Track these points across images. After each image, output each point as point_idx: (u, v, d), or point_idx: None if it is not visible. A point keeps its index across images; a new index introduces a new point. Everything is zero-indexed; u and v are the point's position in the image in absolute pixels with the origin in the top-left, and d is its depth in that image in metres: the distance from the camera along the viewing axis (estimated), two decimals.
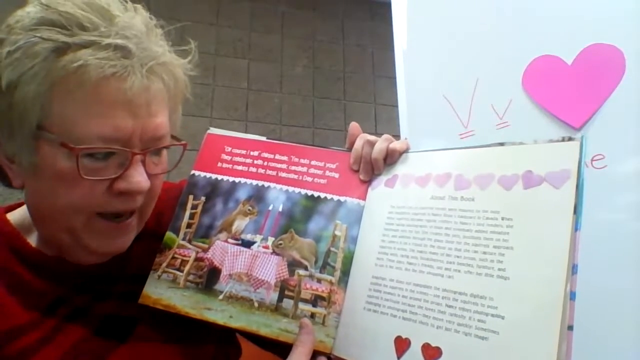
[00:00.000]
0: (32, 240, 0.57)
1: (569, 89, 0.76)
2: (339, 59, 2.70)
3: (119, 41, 0.47)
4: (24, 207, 0.60)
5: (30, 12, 0.48)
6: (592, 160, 0.72)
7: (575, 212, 0.46)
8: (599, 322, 0.67)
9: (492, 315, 0.47)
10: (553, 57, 0.79)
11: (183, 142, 0.57)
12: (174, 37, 0.56)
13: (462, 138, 0.86)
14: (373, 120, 2.62)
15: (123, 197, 0.51)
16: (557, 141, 0.51)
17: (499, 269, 0.48)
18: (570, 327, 0.43)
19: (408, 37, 0.98)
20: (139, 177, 0.50)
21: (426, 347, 0.50)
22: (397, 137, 0.68)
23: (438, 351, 0.49)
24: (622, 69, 0.72)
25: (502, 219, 0.51)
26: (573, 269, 0.45)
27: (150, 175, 0.52)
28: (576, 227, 0.46)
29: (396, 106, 0.96)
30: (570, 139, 0.50)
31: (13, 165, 0.51)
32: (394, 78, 0.97)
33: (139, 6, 0.53)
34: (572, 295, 0.44)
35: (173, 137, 0.56)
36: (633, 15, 0.73)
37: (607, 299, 0.67)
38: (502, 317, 0.46)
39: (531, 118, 0.79)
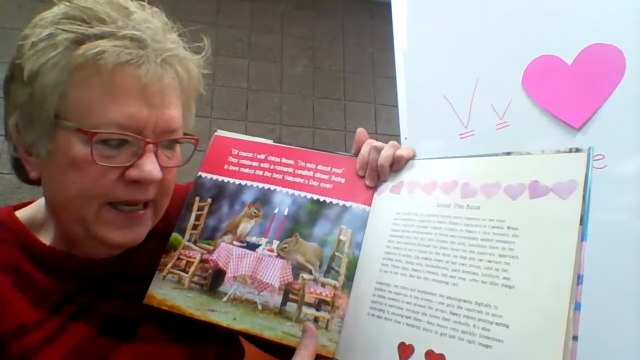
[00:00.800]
0: (42, 237, 0.57)
1: (569, 89, 0.76)
2: (339, 59, 2.70)
3: (135, 32, 0.49)
4: (33, 205, 0.61)
5: (54, 10, 0.51)
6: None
7: (581, 222, 0.47)
8: (599, 322, 0.67)
9: (497, 324, 0.47)
10: (553, 57, 0.79)
11: (195, 137, 0.58)
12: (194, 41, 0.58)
13: (462, 138, 0.86)
14: (373, 120, 2.62)
15: (135, 187, 0.52)
16: (565, 152, 0.51)
17: (504, 278, 0.48)
18: (575, 338, 0.43)
19: (408, 37, 0.98)
20: (150, 166, 0.51)
21: (430, 354, 0.50)
22: (397, 137, 0.68)
23: (442, 358, 0.49)
24: (622, 69, 0.72)
25: (508, 228, 0.51)
26: (579, 279, 0.45)
27: (162, 168, 0.53)
28: (582, 237, 0.46)
29: (396, 106, 0.96)
30: (577, 150, 0.50)
31: (30, 158, 0.53)
32: (394, 78, 0.97)
33: (156, 9, 0.55)
34: (578, 306, 0.44)
35: (186, 134, 0.57)
36: (633, 15, 0.73)
37: (607, 299, 0.67)
38: (507, 326, 0.46)
39: (531, 118, 0.79)
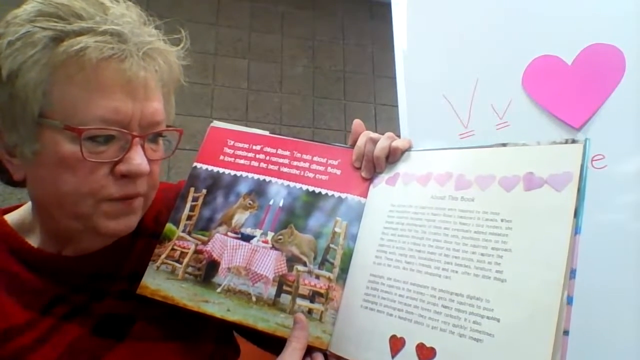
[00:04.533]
0: (31, 240, 0.57)
1: (569, 89, 0.76)
2: (339, 59, 2.70)
3: (115, 27, 0.49)
4: (22, 208, 0.61)
5: (27, 7, 0.50)
6: (592, 160, 0.71)
7: (575, 215, 0.46)
8: (599, 323, 0.67)
9: (488, 318, 0.47)
10: (553, 57, 0.78)
11: (179, 129, 0.58)
12: (169, 34, 0.57)
13: (462, 138, 0.86)
14: (373, 120, 2.62)
15: (125, 181, 0.52)
16: (560, 143, 0.50)
17: (497, 271, 0.48)
18: (566, 332, 0.43)
19: (408, 37, 0.98)
20: (139, 160, 0.51)
21: (420, 347, 0.50)
22: (397, 136, 0.68)
23: (432, 351, 0.49)
24: (622, 69, 0.72)
25: (502, 220, 0.50)
26: (571, 274, 0.44)
27: (149, 161, 0.53)
28: (576, 231, 0.45)
29: (396, 106, 0.96)
30: (573, 141, 0.49)
31: (14, 159, 0.52)
32: (394, 78, 0.97)
33: (130, 3, 0.55)
34: (570, 300, 0.44)
35: (168, 126, 0.57)
36: (633, 15, 0.73)
37: (607, 299, 0.67)
38: (498, 320, 0.46)
39: (531, 118, 0.79)
